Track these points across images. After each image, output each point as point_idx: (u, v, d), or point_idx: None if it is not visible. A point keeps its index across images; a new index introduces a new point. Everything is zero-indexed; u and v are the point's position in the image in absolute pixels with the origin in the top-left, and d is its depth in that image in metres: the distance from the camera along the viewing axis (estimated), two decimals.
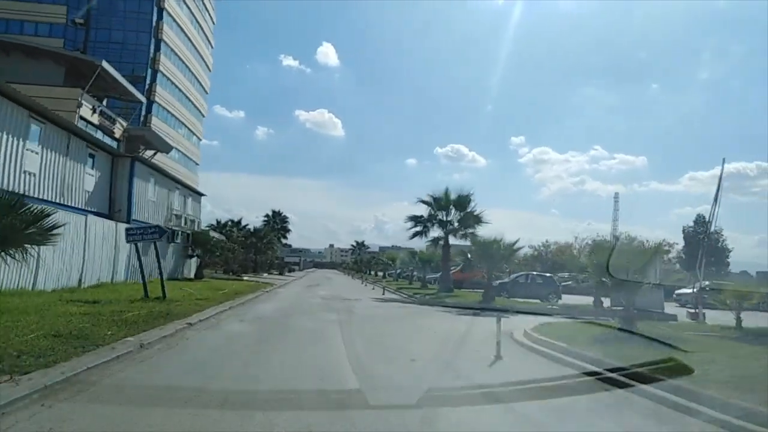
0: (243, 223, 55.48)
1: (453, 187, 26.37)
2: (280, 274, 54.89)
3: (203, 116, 73.21)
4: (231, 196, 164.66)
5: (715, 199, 18.79)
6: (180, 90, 61.46)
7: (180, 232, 26.96)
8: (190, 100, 65.30)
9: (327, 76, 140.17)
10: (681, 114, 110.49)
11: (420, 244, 29.14)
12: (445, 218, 26.24)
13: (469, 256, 26.03)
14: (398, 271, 54.48)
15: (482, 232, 25.84)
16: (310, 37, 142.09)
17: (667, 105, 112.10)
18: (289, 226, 75.35)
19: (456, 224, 25.95)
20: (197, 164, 73.18)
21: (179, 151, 62.59)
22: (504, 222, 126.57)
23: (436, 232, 27.27)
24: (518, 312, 15.58)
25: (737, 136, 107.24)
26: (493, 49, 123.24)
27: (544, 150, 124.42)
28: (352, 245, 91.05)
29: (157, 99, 55.49)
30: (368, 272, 79.69)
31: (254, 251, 53.98)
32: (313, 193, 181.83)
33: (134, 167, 21.87)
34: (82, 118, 26.01)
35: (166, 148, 40.38)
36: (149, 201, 24.09)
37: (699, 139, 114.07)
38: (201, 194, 34.61)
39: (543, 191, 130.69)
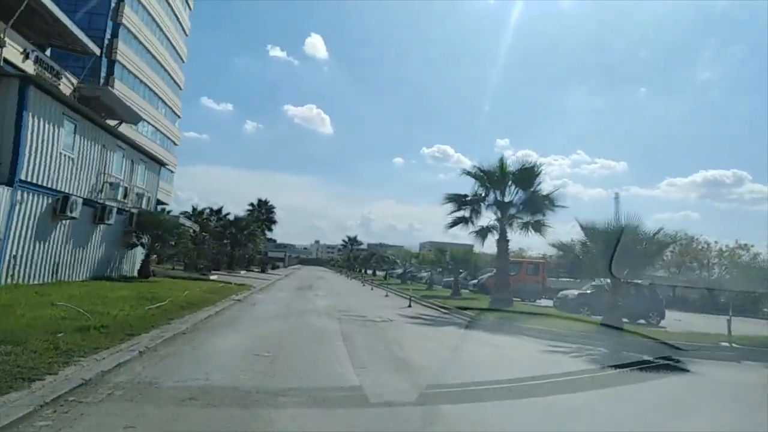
0: (226, 212, 47.11)
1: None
2: (262, 271, 46.38)
3: (180, 89, 64.11)
4: (217, 190, 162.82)
5: None
6: (149, 52, 52.40)
7: (115, 210, 18.45)
8: (162, 66, 56.26)
9: (315, 68, 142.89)
10: (661, 121, 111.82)
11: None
12: (501, 198, 18.02)
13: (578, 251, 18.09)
14: (402, 271, 47.70)
15: (555, 220, 17.81)
16: (298, 28, 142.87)
17: (649, 111, 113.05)
18: (275, 218, 67.11)
19: (520, 207, 17.77)
20: (176, 144, 64.24)
21: (151, 125, 53.71)
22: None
23: (484, 219, 19.12)
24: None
25: (715, 144, 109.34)
26: (482, 51, 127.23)
27: (527, 153, 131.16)
28: (343, 241, 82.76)
29: (120, 58, 46.37)
30: (362, 271, 71.77)
31: (232, 243, 45.53)
32: (300, 189, 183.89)
33: (26, 95, 13.39)
34: (7, 62, 17.72)
35: (132, 117, 31.58)
36: (64, 156, 15.61)
37: (678, 145, 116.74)
38: (162, 163, 25.94)
39: None
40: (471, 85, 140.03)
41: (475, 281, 28.58)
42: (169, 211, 56.27)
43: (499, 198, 18.21)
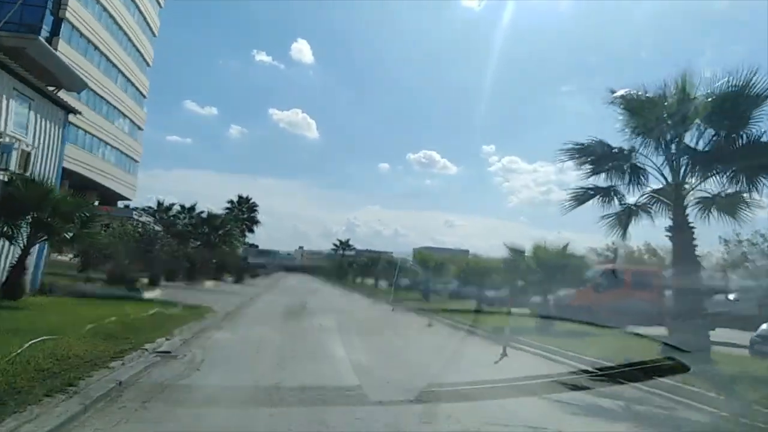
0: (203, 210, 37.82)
1: None
2: (238, 281, 37.05)
3: (149, 66, 54.62)
4: (200, 194, 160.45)
5: None
6: (111, 15, 43.09)
7: None
8: (127, 35, 46.95)
9: (301, 73, 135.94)
10: None
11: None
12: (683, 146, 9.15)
13: None
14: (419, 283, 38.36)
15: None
16: (285, 33, 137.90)
17: None
18: (258, 218, 57.69)
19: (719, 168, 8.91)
20: (140, 129, 54.78)
21: (108, 103, 44.32)
22: (474, 229, 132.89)
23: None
24: None
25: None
26: (468, 58, 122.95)
27: (513, 159, 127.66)
28: (334, 245, 73.67)
29: (70, 16, 36.96)
30: (354, 280, 63.18)
31: (203, 245, 36.24)
32: (285, 193, 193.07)
33: None
34: None
35: (74, 82, 22.48)
36: None
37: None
38: (69, 109, 16.33)
39: (511, 199, 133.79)
40: (457, 91, 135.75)
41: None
42: (133, 208, 47.02)
43: (675, 149, 9.42)
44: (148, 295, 15.85)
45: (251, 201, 56.85)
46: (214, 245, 36.92)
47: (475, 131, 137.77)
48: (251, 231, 57.13)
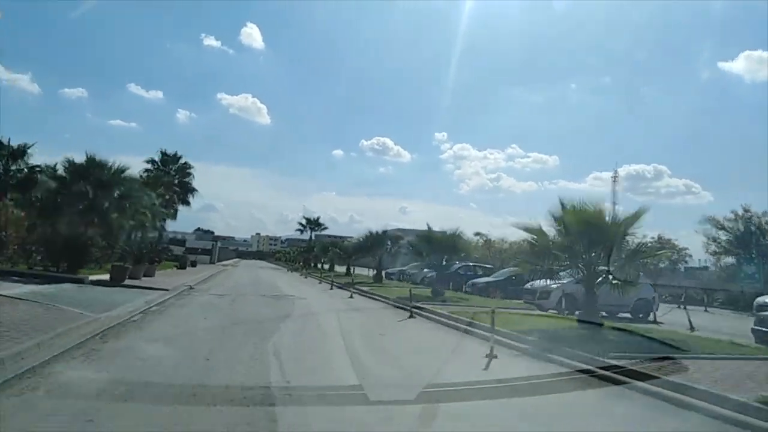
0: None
1: None
2: (146, 275, 21.84)
3: None
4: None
5: None
6: None
7: None
8: None
9: (251, 58, 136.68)
10: (590, 116, 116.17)
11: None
12: None
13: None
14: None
15: None
16: (234, 17, 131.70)
17: (579, 107, 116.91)
18: (194, 183, 42.18)
19: None
20: None
21: None
22: (427, 214, 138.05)
23: None
24: None
25: (638, 139, 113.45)
26: (420, 45, 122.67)
27: (464, 146, 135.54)
28: (301, 224, 58.46)
29: None
30: (316, 266, 49.47)
31: (82, 214, 21.23)
32: (239, 180, 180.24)
33: None
34: None
35: None
36: None
37: (604, 140, 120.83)
38: None
39: (462, 186, 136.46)
40: (410, 78, 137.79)
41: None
42: None
43: None
44: None
45: (183, 161, 41.10)
46: (102, 214, 21.63)
47: (428, 119, 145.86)
48: (185, 202, 41.65)
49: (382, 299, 19.27)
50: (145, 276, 21.42)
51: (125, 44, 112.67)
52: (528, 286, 18.63)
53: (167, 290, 16.33)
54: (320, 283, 29.16)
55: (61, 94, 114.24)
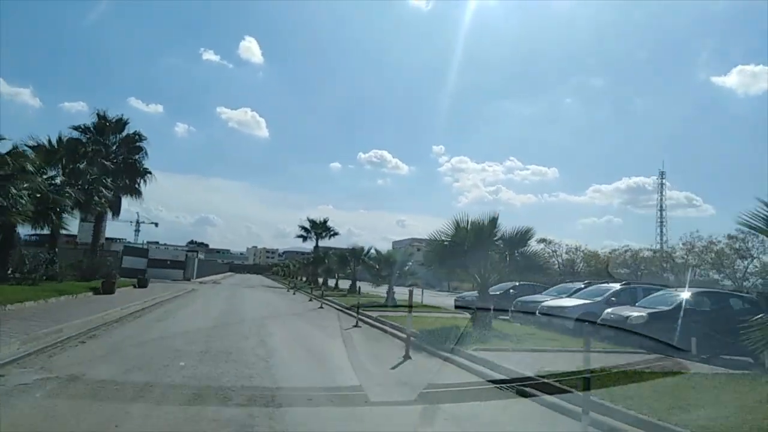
0: None
1: None
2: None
3: None
4: (149, 196, 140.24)
5: None
6: None
7: None
8: None
9: (250, 73, 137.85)
10: (589, 128, 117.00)
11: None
12: None
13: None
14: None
15: None
16: (232, 31, 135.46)
17: (577, 120, 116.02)
18: (145, 163, 28.87)
19: None
20: None
21: None
22: (425, 228, 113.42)
23: None
24: None
25: (638, 151, 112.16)
26: (417, 59, 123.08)
27: (462, 159, 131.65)
28: (305, 229, 44.54)
29: None
30: (303, 279, 38.41)
31: None
32: (237, 194, 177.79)
33: None
34: None
35: None
36: None
37: (603, 153, 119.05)
38: None
39: (461, 199, 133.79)
40: (407, 92, 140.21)
41: None
42: None
43: None
44: None
45: (131, 130, 27.81)
46: None
47: (425, 131, 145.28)
48: (135, 192, 28.27)
49: None
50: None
51: (126, 58, 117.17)
52: None
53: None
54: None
55: (61, 108, 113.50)
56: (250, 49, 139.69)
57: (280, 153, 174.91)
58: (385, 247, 30.31)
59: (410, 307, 9.84)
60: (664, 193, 72.12)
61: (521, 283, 16.73)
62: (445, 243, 11.40)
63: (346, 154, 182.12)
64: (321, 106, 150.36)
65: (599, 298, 11.95)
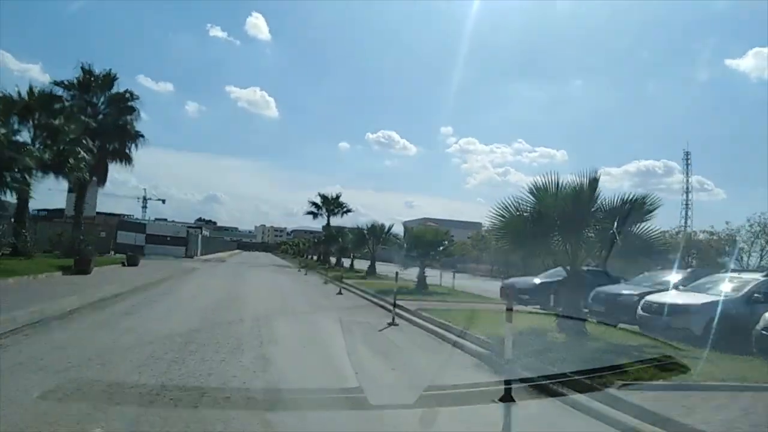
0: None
1: None
2: None
3: None
4: (158, 173, 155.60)
5: None
6: None
7: None
8: None
9: (258, 50, 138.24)
10: (597, 111, 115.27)
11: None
12: None
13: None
14: None
15: None
16: (239, 6, 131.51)
17: (585, 102, 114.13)
18: (135, 123, 25.40)
19: None
20: None
21: None
22: (433, 209, 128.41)
23: None
24: None
25: (648, 135, 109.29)
26: (427, 39, 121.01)
27: (470, 140, 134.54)
28: (315, 205, 41.37)
29: None
30: (314, 258, 40.06)
31: None
32: (246, 173, 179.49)
33: None
34: None
35: None
36: None
37: (612, 135, 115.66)
38: None
39: (469, 180, 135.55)
40: (416, 72, 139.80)
41: None
42: None
43: None
44: None
45: (120, 88, 24.45)
46: None
47: (434, 113, 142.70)
48: (125, 158, 25.04)
49: None
50: None
51: (134, 35, 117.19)
52: None
53: None
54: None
55: None
56: (258, 25, 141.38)
57: (289, 132, 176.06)
58: (394, 228, 26.92)
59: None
60: (689, 175, 68.09)
61: (590, 269, 13.30)
62: (526, 215, 7.99)
63: (355, 133, 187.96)
64: (329, 85, 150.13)
65: (737, 294, 8.52)
